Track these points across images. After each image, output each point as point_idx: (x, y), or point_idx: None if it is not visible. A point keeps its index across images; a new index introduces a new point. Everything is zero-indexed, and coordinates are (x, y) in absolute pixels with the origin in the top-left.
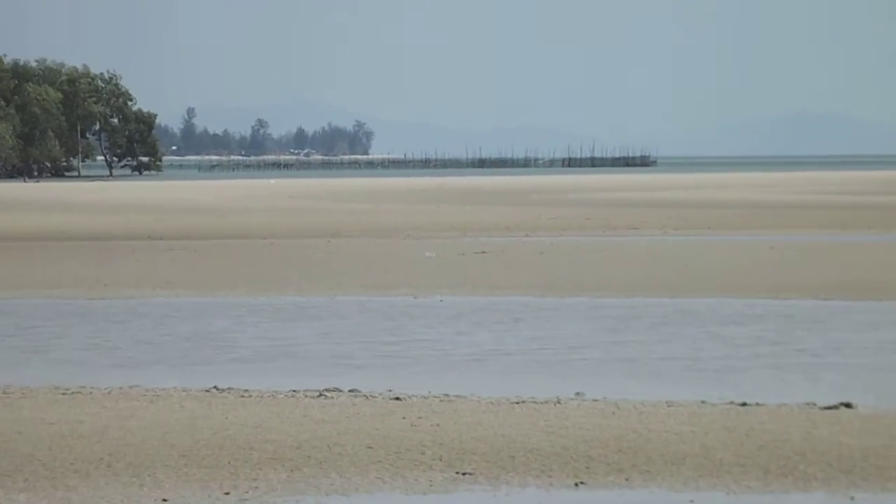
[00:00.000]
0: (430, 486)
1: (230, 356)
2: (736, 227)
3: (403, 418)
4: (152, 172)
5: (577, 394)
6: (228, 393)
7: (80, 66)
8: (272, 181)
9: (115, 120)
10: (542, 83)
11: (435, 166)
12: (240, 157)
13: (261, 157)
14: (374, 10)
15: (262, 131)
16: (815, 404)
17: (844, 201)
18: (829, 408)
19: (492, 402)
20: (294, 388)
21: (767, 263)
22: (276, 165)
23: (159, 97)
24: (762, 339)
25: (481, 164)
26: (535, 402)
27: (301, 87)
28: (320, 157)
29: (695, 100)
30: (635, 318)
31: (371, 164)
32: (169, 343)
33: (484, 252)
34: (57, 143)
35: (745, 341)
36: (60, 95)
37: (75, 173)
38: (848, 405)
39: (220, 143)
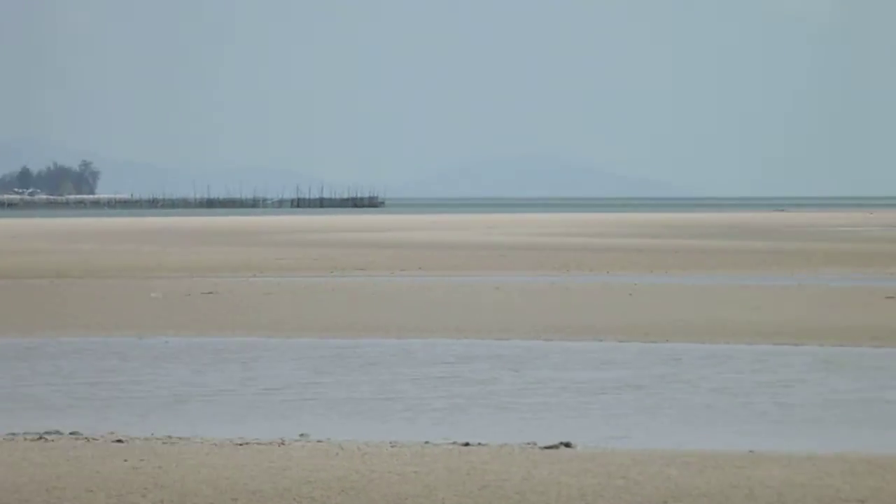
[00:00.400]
0: None
1: None
2: (462, 267)
3: (125, 461)
4: None
5: (302, 435)
6: None
7: None
8: None
9: None
10: (268, 124)
11: (163, 206)
12: None
13: None
14: (102, 48)
15: None
16: (535, 444)
17: (568, 243)
18: (550, 447)
19: (216, 444)
20: (13, 431)
21: (492, 304)
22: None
23: None
24: (485, 379)
25: (210, 204)
26: (260, 444)
27: (25, 126)
28: (45, 197)
29: (413, 144)
30: (357, 358)
31: (98, 204)
32: None
33: (211, 293)
34: None
35: (467, 382)
36: None
37: None
38: (568, 445)
39: None
